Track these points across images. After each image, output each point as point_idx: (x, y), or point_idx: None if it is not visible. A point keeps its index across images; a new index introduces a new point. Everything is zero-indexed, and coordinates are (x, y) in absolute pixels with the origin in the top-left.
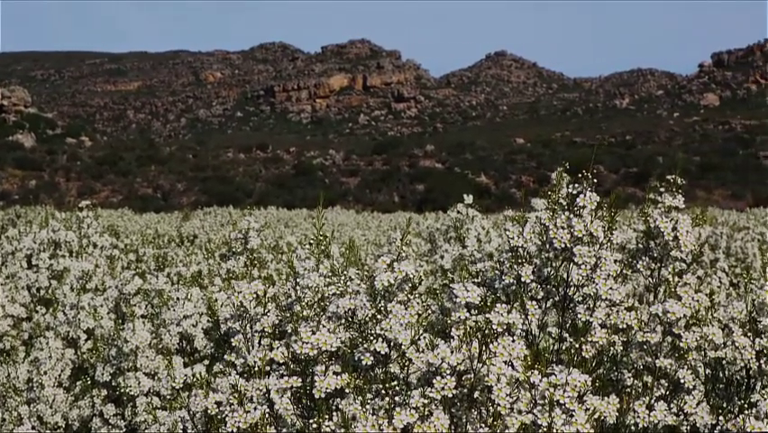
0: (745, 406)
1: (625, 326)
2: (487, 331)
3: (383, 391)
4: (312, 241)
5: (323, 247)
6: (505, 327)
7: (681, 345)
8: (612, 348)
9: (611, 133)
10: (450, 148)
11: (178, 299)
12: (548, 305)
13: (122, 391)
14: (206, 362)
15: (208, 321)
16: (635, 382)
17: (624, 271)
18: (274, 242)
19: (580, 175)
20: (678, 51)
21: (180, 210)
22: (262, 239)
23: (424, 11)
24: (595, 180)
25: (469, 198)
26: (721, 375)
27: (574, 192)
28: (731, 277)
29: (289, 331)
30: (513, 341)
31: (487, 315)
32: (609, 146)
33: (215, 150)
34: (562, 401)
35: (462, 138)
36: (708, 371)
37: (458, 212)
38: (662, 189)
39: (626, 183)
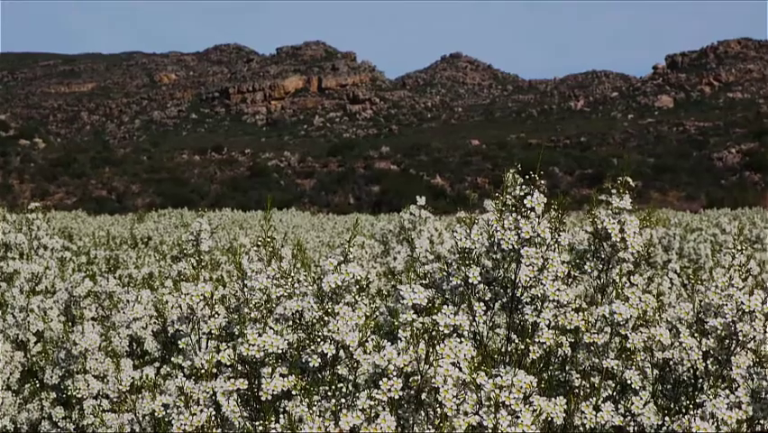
0: (691, 406)
1: (572, 327)
2: (434, 333)
3: (330, 393)
4: (259, 243)
5: (270, 249)
6: (452, 329)
7: (628, 345)
8: (560, 349)
9: (566, 135)
10: (405, 150)
11: (128, 301)
12: (497, 306)
13: (70, 393)
14: (157, 364)
15: (155, 323)
16: (583, 382)
17: (572, 273)
18: (228, 244)
19: (527, 177)
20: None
21: (135, 212)
22: (216, 241)
23: (379, 12)
24: (544, 182)
25: (421, 200)
26: (669, 376)
27: (522, 194)
28: (683, 278)
29: (237, 333)
30: (461, 342)
31: (434, 316)
32: (564, 148)
33: (170, 152)
34: (507, 403)
35: (418, 140)
36: (655, 371)
37: (411, 213)
38: (612, 191)
39: (582, 185)
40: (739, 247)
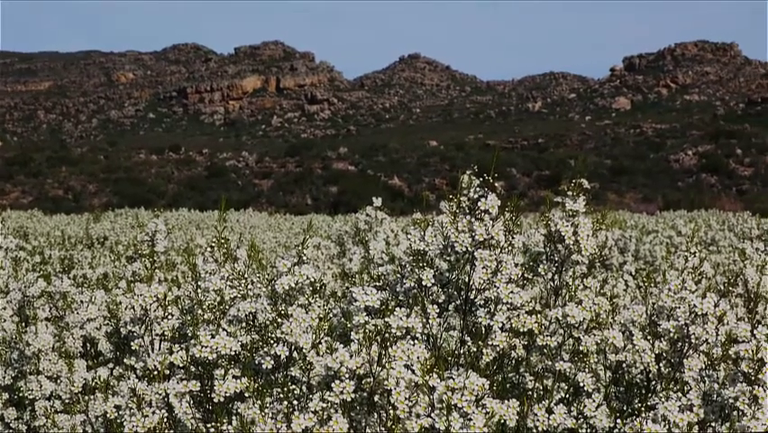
0: (643, 409)
1: (526, 329)
2: (386, 335)
3: (282, 396)
4: (213, 244)
5: (224, 250)
6: (404, 331)
7: (581, 348)
8: (513, 352)
9: (524, 137)
10: (363, 150)
11: (82, 302)
12: (451, 309)
13: (22, 394)
14: (111, 365)
15: (108, 324)
16: (537, 385)
17: (525, 275)
18: (185, 244)
19: (482, 179)
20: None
21: (91, 212)
22: (173, 241)
23: (338, 13)
24: (501, 183)
25: (377, 201)
26: (622, 378)
27: (476, 196)
28: (638, 280)
29: (190, 335)
30: (414, 345)
31: (386, 319)
32: (522, 149)
33: (127, 151)
34: (459, 405)
35: (376, 140)
36: (609, 374)
37: (367, 215)
38: (568, 193)
39: (539, 186)
40: (692, 250)
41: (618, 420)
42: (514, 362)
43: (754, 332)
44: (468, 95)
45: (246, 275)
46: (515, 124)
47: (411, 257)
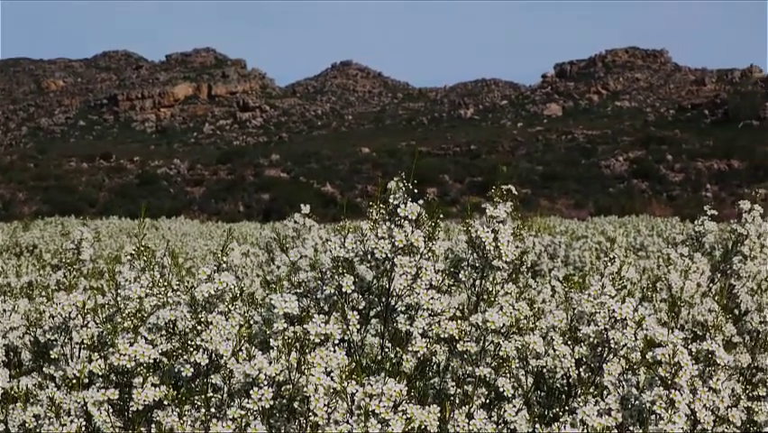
0: (561, 413)
1: (446, 335)
2: (305, 342)
3: (200, 403)
4: (133, 252)
5: (145, 258)
6: (323, 338)
7: (501, 353)
8: (435, 357)
9: (456, 143)
10: (295, 157)
11: (4, 310)
12: (372, 315)
13: None
14: (35, 374)
15: (29, 333)
16: (458, 390)
17: (446, 281)
18: (115, 252)
19: (404, 186)
20: (522, 62)
21: (21, 220)
22: (102, 249)
23: (269, 20)
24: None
25: (306, 208)
26: (543, 383)
27: (396, 202)
28: (566, 286)
29: (109, 343)
30: (334, 351)
31: (305, 325)
32: (454, 156)
33: (58, 159)
34: (377, 411)
35: (308, 147)
36: (530, 379)
37: (295, 222)
38: (496, 199)
39: (472, 192)
40: (611, 255)
41: (537, 425)
42: (436, 367)
43: (671, 336)
44: (400, 101)
45: (167, 283)
46: (447, 130)
47: (332, 264)
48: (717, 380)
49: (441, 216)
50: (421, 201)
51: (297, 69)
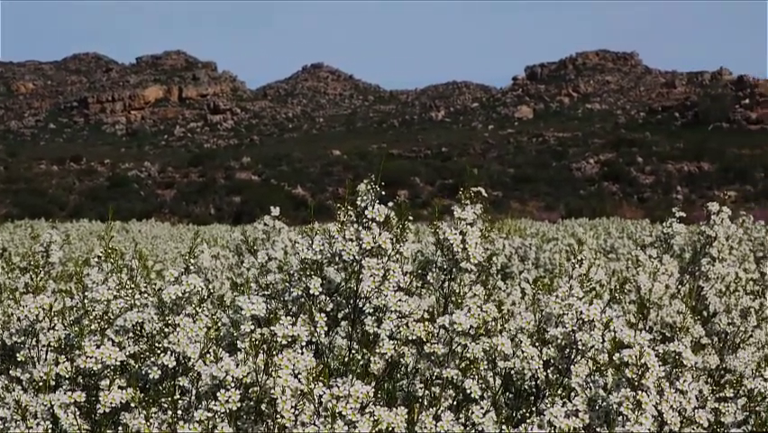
0: (527, 415)
1: (414, 337)
2: (272, 343)
3: (167, 405)
4: (101, 254)
5: (113, 261)
6: (290, 339)
7: (468, 355)
8: (403, 359)
9: (427, 146)
10: (266, 160)
11: None
12: (340, 317)
13: None
14: (2, 377)
15: None
16: (427, 392)
17: (415, 283)
18: (85, 255)
19: (368, 187)
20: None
21: None
22: (72, 252)
23: (240, 23)
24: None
25: (275, 210)
26: (512, 385)
27: (364, 205)
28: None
29: (76, 345)
30: (302, 353)
31: (272, 327)
32: (425, 158)
33: (28, 162)
34: (344, 413)
35: (279, 150)
36: (498, 381)
37: (265, 224)
38: (465, 201)
39: (443, 195)
40: (579, 257)
41: (504, 426)
42: (404, 369)
43: (637, 338)
44: (371, 104)
45: (135, 285)
46: (418, 132)
47: (299, 266)
48: (684, 381)
49: (410, 218)
50: (391, 203)
51: (267, 71)
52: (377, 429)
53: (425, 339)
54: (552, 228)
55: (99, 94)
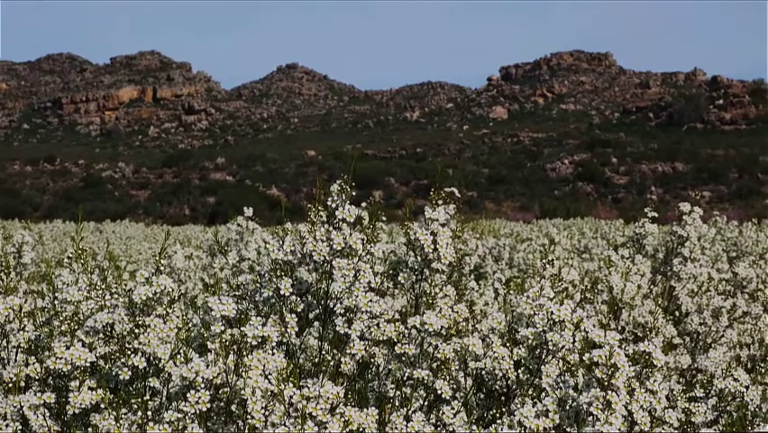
0: (498, 415)
1: (385, 338)
2: (243, 344)
3: (137, 406)
4: (70, 255)
5: (83, 262)
6: (260, 340)
7: (439, 355)
8: (374, 360)
9: (402, 146)
10: (241, 160)
11: None
12: (312, 317)
13: None
14: None
15: None
16: (398, 393)
17: (386, 284)
18: (59, 255)
19: (339, 189)
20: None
21: None
22: (46, 252)
23: (214, 23)
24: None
25: (249, 211)
26: (483, 385)
27: (334, 205)
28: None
29: (46, 346)
30: (273, 354)
31: (242, 328)
32: (400, 159)
33: (1, 162)
34: (314, 414)
35: (254, 150)
36: (470, 381)
37: (238, 225)
38: (439, 202)
39: (417, 195)
40: (551, 257)
41: (475, 427)
42: (376, 370)
43: (607, 338)
44: (346, 104)
45: (106, 285)
46: (393, 133)
47: (271, 266)
48: (655, 381)
49: (384, 218)
50: (364, 204)
51: (242, 71)
52: (347, 430)
53: (396, 340)
54: (526, 229)
55: (73, 94)
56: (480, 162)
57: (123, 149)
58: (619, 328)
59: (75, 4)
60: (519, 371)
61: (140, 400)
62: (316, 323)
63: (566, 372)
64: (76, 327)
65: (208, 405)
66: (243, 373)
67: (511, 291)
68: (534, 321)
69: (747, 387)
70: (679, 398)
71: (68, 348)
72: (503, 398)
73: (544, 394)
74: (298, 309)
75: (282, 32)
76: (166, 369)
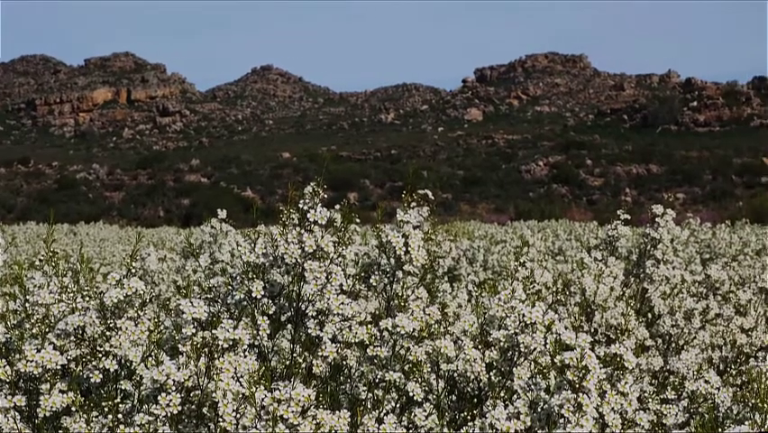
0: (469, 417)
1: (357, 340)
2: (214, 347)
3: (107, 409)
4: (41, 258)
5: (54, 264)
6: (231, 343)
7: (411, 358)
8: (346, 362)
9: (377, 148)
10: (215, 162)
11: None
12: (284, 320)
13: None
14: None
15: None
16: (370, 395)
17: (358, 286)
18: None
19: (312, 191)
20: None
21: None
22: (19, 254)
23: (189, 25)
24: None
25: (222, 213)
26: (455, 388)
27: (306, 207)
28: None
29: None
30: (245, 357)
31: (213, 331)
32: (375, 160)
33: None
34: (285, 416)
35: (228, 152)
36: (442, 384)
37: (212, 227)
38: (408, 203)
39: (392, 197)
40: (523, 259)
41: (446, 429)
42: (348, 372)
43: (579, 340)
44: (321, 106)
45: (78, 288)
46: (368, 135)
47: (243, 269)
48: (626, 383)
49: (358, 220)
50: (338, 206)
51: (217, 73)
52: (319, 432)
53: (368, 342)
54: (501, 230)
55: (47, 96)
56: (455, 164)
57: (98, 150)
58: (592, 331)
59: (49, 5)
60: (491, 373)
61: (111, 403)
62: (289, 325)
63: (538, 374)
64: (47, 330)
65: (179, 408)
66: (215, 376)
67: (484, 294)
68: (506, 323)
69: (718, 389)
70: (650, 400)
71: (38, 351)
72: (475, 400)
73: (515, 396)
74: (270, 312)
75: (257, 33)
76: (137, 372)
